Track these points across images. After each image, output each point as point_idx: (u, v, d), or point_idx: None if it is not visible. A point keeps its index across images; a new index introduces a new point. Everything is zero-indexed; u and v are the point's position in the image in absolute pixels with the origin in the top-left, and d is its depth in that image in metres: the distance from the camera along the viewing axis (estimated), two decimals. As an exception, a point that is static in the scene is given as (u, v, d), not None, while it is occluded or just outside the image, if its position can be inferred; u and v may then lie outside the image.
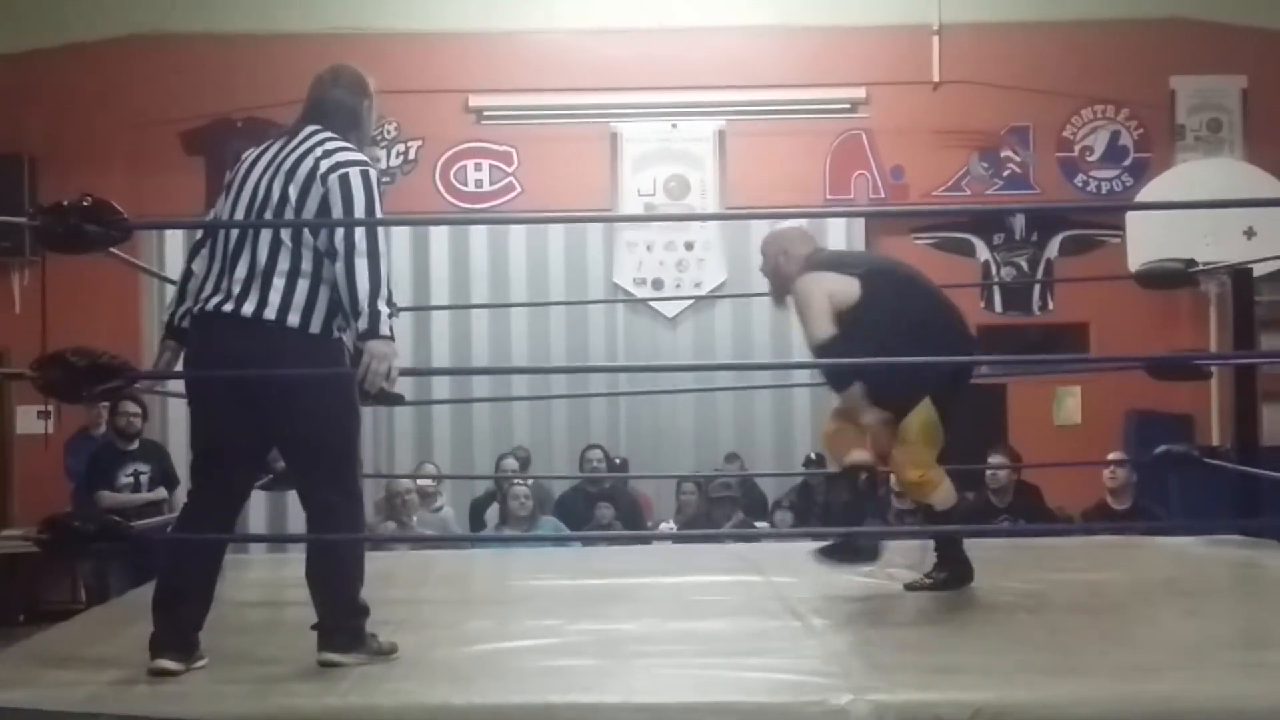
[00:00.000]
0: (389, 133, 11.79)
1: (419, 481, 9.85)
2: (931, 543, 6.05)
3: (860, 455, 5.79)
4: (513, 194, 11.88)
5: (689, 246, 11.80)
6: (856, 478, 5.83)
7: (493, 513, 9.91)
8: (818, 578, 6.09)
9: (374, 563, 7.04)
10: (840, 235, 11.81)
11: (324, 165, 4.37)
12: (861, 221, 11.95)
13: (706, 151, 11.93)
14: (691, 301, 11.83)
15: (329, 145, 4.42)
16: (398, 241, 11.75)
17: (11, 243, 10.70)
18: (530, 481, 9.76)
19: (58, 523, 4.35)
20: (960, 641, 4.88)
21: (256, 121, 10.60)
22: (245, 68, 11.09)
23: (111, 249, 4.77)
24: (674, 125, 11.93)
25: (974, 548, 7.29)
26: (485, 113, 11.87)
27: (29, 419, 11.00)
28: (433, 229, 11.84)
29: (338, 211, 4.32)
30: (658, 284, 11.75)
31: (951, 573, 5.85)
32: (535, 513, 9.25)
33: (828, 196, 11.95)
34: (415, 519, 9.38)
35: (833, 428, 5.97)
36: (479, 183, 11.90)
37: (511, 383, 11.87)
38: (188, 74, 11.06)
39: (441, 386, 11.70)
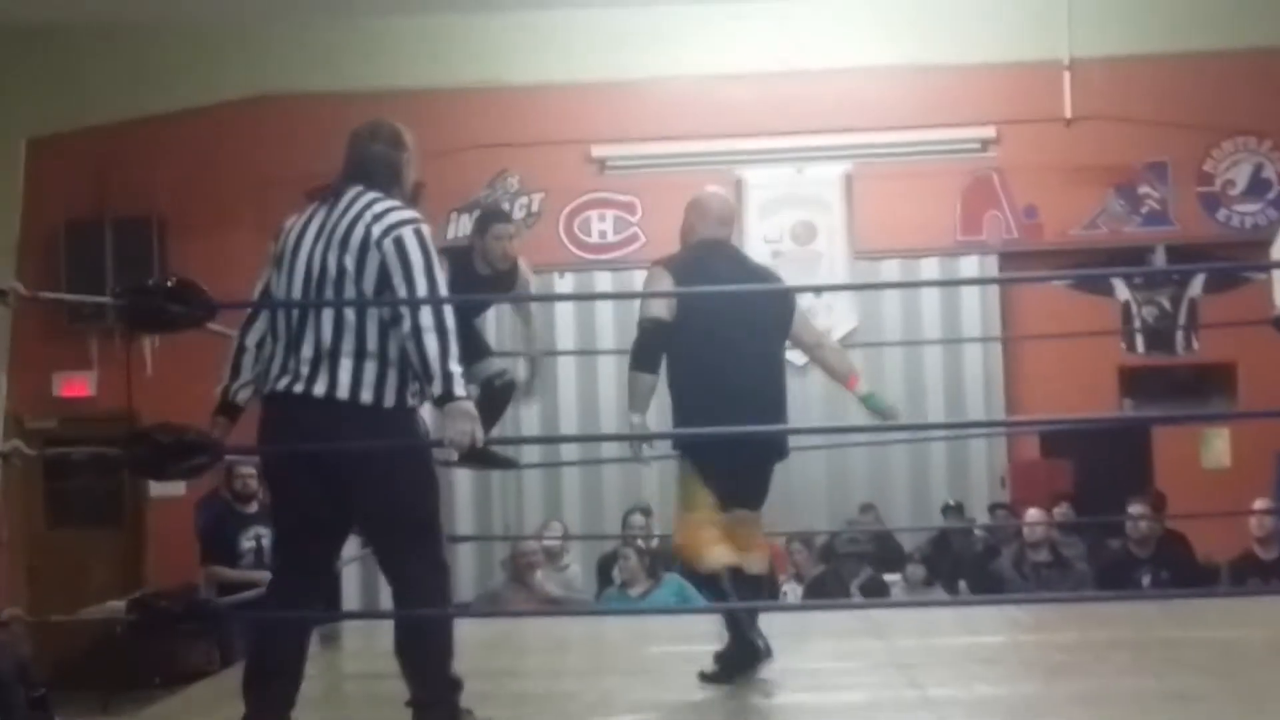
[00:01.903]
0: (512, 186, 11.76)
1: (545, 541, 9.73)
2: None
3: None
4: (637, 244, 11.77)
5: (817, 294, 11.59)
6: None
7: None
8: (941, 642, 5.87)
9: (486, 629, 7.05)
10: (974, 274, 11.59)
11: (376, 230, 4.27)
12: (994, 263, 11.68)
13: (834, 196, 11.73)
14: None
15: (377, 207, 4.31)
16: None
17: (144, 306, 10.81)
18: (654, 540, 9.59)
19: (143, 603, 4.29)
20: (1082, 710, 4.65)
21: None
22: (369, 125, 11.11)
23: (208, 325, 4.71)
24: (800, 170, 11.76)
25: (1110, 605, 7.07)
26: (608, 163, 11.80)
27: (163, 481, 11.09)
28: (557, 281, 11.74)
29: (397, 276, 4.22)
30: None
31: (730, 655, 5.33)
32: (656, 570, 9.04)
33: (959, 238, 11.70)
34: (540, 577, 9.26)
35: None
36: (603, 234, 11.82)
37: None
38: (312, 132, 11.06)
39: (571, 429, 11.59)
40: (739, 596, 5.27)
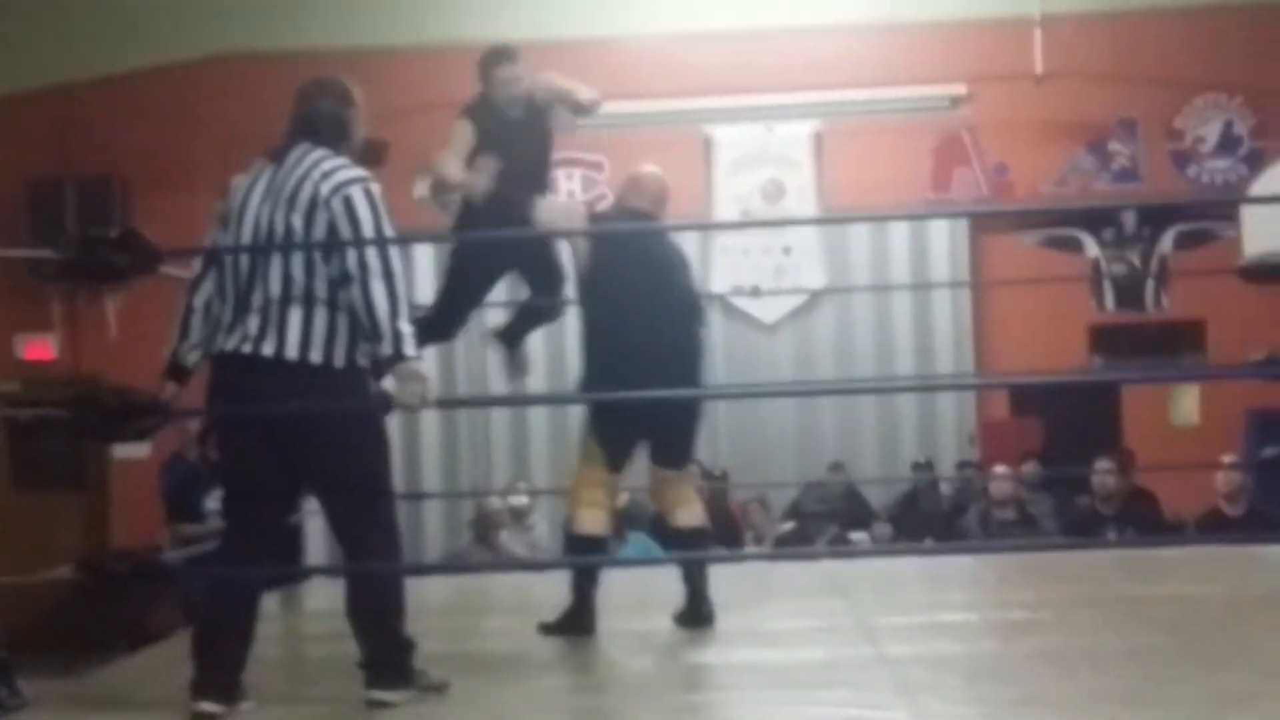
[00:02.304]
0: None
1: (511, 500, 9.70)
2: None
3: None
4: (605, 203, 11.68)
5: (786, 251, 11.54)
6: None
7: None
8: (903, 599, 5.85)
9: (449, 590, 7.02)
10: (944, 235, 11.54)
11: (324, 189, 4.22)
12: (965, 221, 11.64)
13: (803, 154, 11.68)
14: (791, 307, 11.58)
15: (325, 165, 4.26)
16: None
17: (106, 267, 10.74)
18: (625, 497, 9.55)
19: (91, 564, 4.26)
20: (1040, 667, 4.63)
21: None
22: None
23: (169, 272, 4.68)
24: (769, 128, 11.69)
25: (1075, 560, 7.07)
26: (576, 121, 11.69)
27: (126, 443, 10.99)
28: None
29: (346, 234, 4.17)
30: (755, 290, 11.49)
31: (567, 613, 5.44)
32: (622, 529, 9.01)
33: (930, 196, 11.65)
34: (505, 537, 9.23)
35: None
36: (571, 192, 11.71)
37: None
38: (278, 91, 10.87)
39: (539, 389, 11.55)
40: (676, 550, 5.54)
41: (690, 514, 5.62)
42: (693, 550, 5.58)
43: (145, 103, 11.45)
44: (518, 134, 5.86)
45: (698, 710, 4.27)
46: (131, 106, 11.45)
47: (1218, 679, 4.30)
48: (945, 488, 10.70)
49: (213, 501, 9.24)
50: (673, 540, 5.62)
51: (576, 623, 5.40)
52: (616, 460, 5.49)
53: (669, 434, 5.51)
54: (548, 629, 5.44)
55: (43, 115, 11.48)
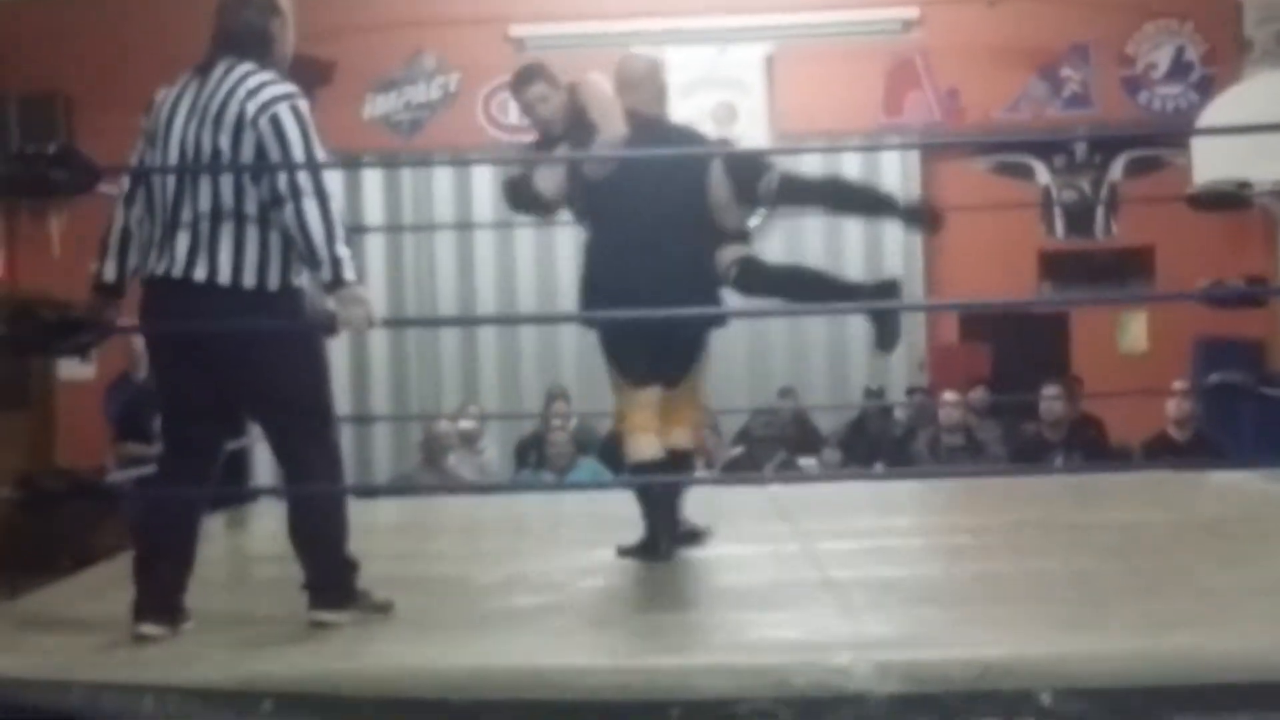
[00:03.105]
0: (428, 65, 11.58)
1: (460, 424, 9.67)
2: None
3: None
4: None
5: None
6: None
7: (540, 454, 9.72)
8: (848, 524, 5.87)
9: (397, 512, 7.01)
10: (895, 160, 11.52)
11: (251, 108, 4.13)
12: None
13: (755, 77, 11.60)
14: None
15: (251, 82, 4.17)
16: (440, 174, 11.59)
17: (47, 186, 10.59)
18: (573, 422, 9.57)
19: (27, 480, 4.21)
20: (982, 591, 4.67)
21: (302, 57, 10.38)
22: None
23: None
24: (721, 50, 11.61)
25: (1022, 485, 7.11)
26: (527, 42, 11.59)
27: (71, 364, 10.86)
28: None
29: (274, 155, 4.10)
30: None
31: (645, 544, 5.35)
32: (574, 454, 9.03)
33: (882, 121, 11.63)
34: (454, 461, 9.21)
35: None
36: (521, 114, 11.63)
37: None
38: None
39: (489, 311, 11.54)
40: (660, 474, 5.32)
41: (681, 435, 5.53)
42: (677, 472, 5.51)
43: (89, 18, 11.25)
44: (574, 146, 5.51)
45: (643, 634, 4.27)
46: (75, 22, 11.25)
47: (1156, 603, 4.34)
48: (896, 413, 10.73)
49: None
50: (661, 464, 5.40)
51: (653, 549, 5.31)
52: (639, 378, 5.34)
53: (666, 351, 5.40)
54: (624, 552, 5.36)
55: (-18, 33, 11.31)
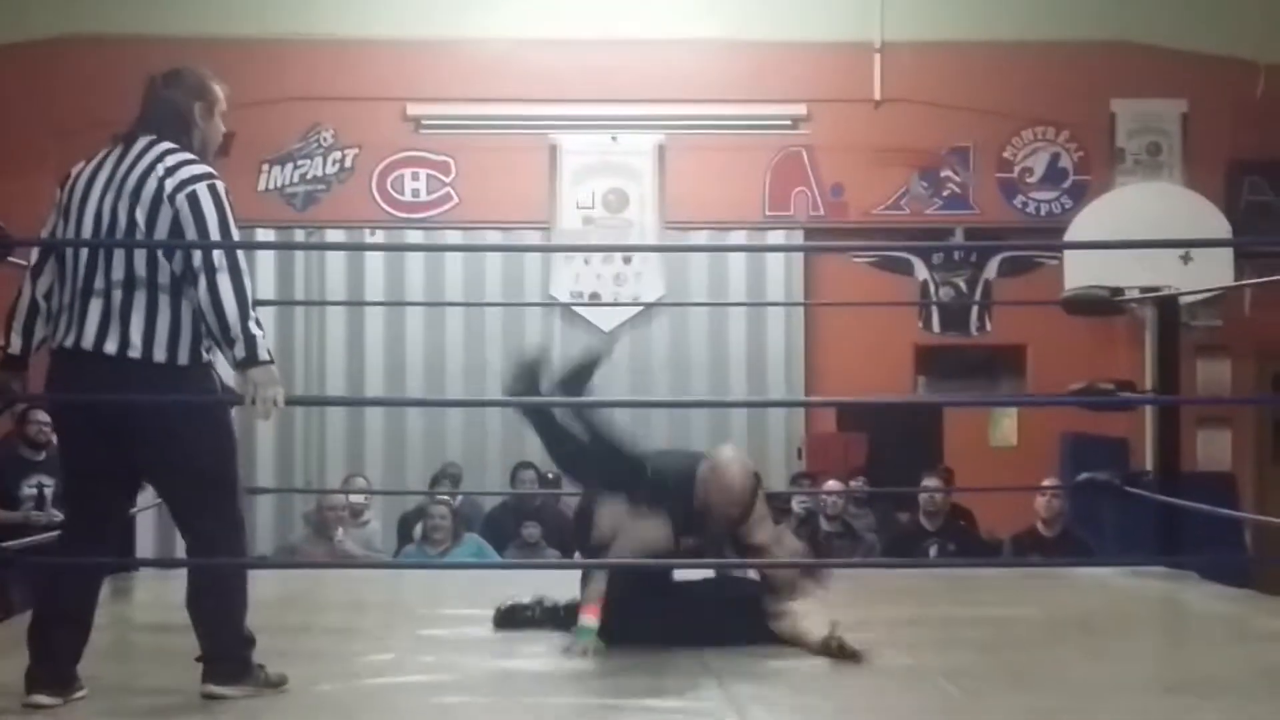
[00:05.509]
0: (326, 140, 11.68)
1: (351, 496, 9.69)
2: None
3: None
4: (450, 204, 11.77)
5: (627, 260, 11.71)
6: None
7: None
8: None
9: (283, 585, 7.01)
10: (779, 256, 11.81)
11: (169, 185, 4.19)
12: (800, 239, 11.91)
13: (646, 165, 11.85)
14: (629, 315, 11.73)
15: (169, 160, 4.23)
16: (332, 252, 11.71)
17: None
18: (457, 500, 9.64)
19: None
20: (854, 681, 4.79)
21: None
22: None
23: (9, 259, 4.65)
24: (614, 138, 11.84)
25: (896, 577, 7.27)
26: (423, 121, 11.76)
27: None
28: (368, 238, 11.70)
29: (191, 233, 4.15)
30: (595, 298, 11.66)
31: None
32: (459, 530, 9.09)
33: (767, 213, 11.91)
34: (340, 534, 9.23)
35: None
36: (416, 192, 11.78)
37: (445, 393, 11.72)
38: (118, 76, 10.71)
39: (377, 391, 11.59)
40: None
41: None
42: None
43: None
44: None
45: (530, 711, 4.36)
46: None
47: (1030, 697, 4.51)
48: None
49: (29, 488, 9.05)
50: None
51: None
52: None
53: None
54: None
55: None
